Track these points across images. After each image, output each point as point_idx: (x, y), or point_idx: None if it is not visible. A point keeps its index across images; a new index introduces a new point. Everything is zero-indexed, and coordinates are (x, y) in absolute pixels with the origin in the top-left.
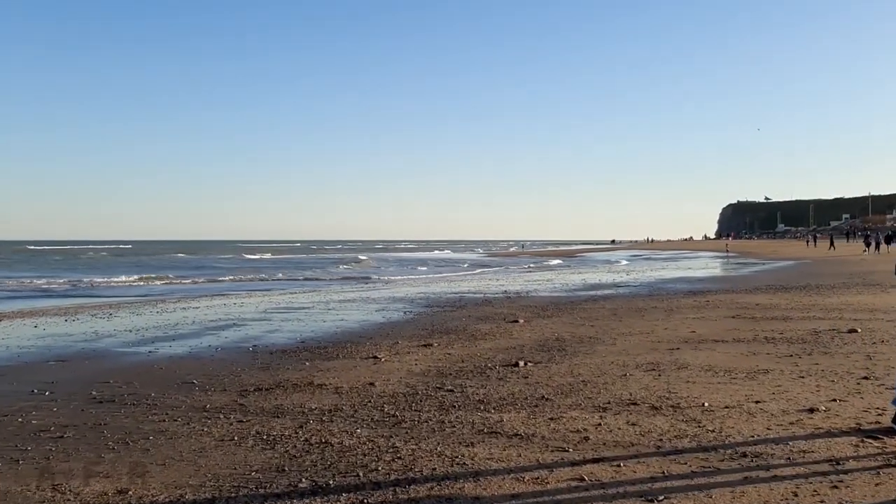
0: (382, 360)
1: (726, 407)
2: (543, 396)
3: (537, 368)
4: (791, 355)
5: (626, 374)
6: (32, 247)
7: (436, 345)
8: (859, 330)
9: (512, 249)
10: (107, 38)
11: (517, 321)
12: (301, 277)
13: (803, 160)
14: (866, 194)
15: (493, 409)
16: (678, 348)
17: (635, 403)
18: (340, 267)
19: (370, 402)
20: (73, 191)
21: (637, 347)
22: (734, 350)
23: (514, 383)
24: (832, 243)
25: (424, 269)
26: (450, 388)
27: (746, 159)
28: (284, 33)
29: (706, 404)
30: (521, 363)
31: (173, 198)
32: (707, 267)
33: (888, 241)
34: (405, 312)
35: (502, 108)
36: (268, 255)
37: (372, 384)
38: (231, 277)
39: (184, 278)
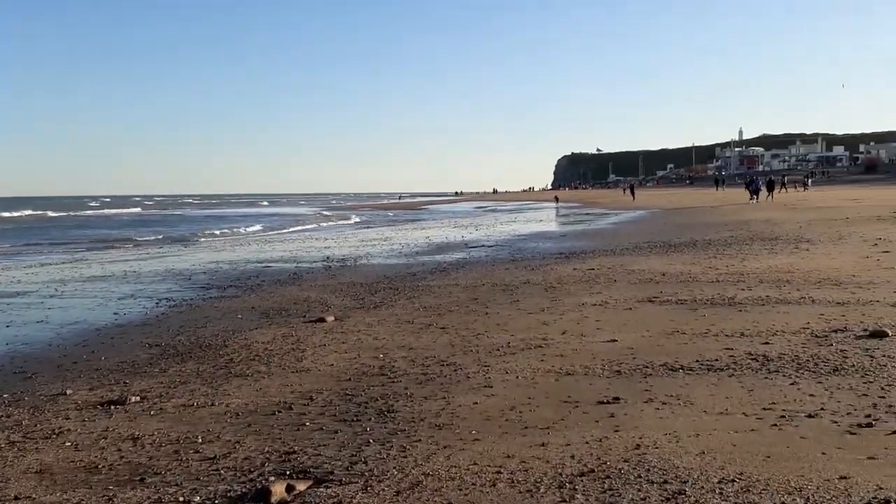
0: None
1: None
2: None
3: None
4: (869, 422)
5: None
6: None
7: (133, 400)
8: (889, 333)
9: (361, 201)
10: None
11: (323, 319)
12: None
13: (632, 113)
14: (690, 145)
15: None
16: (618, 399)
17: None
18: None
19: None
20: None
21: (535, 398)
22: (739, 401)
23: None
24: (628, 191)
25: (247, 227)
26: None
27: (580, 112)
28: None
29: None
30: (288, 489)
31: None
32: (558, 219)
33: (769, 187)
34: (157, 302)
35: (341, 54)
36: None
37: None
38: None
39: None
